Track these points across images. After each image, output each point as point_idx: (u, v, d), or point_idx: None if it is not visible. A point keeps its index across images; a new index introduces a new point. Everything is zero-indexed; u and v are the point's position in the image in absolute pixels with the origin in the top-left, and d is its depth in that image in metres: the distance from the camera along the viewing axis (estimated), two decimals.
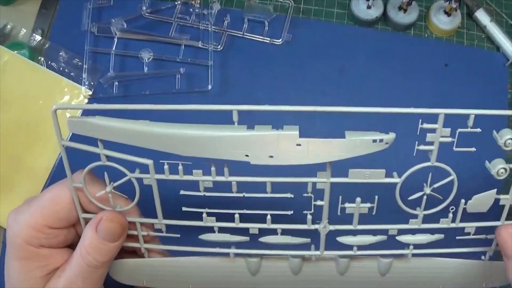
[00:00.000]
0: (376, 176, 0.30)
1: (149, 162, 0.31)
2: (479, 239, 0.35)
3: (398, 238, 0.34)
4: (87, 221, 0.33)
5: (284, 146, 0.29)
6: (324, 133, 0.49)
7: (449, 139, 0.29)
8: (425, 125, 0.28)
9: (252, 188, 0.32)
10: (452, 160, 0.30)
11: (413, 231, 0.34)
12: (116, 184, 0.32)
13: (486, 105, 0.51)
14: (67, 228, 0.33)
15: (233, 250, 0.34)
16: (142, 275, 0.36)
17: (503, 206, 0.33)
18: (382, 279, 0.36)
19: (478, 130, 0.28)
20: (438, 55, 0.53)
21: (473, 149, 0.29)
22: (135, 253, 0.36)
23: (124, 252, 0.35)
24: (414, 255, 0.35)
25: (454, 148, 0.29)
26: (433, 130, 0.29)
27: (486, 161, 0.31)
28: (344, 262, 0.35)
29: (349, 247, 0.34)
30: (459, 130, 0.29)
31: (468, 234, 0.34)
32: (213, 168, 0.31)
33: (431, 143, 0.29)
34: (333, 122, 0.50)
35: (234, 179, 0.31)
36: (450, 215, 0.33)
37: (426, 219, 0.33)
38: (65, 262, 0.33)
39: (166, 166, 0.31)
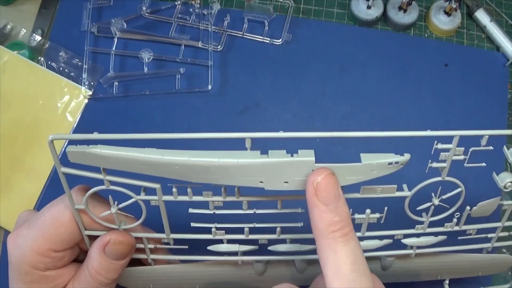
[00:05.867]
0: (387, 191, 0.30)
1: (157, 186, 0.30)
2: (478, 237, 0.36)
3: (404, 241, 0.35)
4: (91, 237, 0.32)
5: (299, 172, 0.28)
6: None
7: (462, 157, 0.29)
8: (440, 146, 0.28)
9: (262, 204, 0.31)
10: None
11: (418, 234, 0.35)
12: (121, 206, 0.31)
13: (486, 105, 0.51)
14: (71, 248, 0.32)
15: (241, 258, 0.34)
16: (148, 280, 0.36)
17: (505, 209, 0.34)
18: (384, 273, 0.37)
19: (491, 148, 0.29)
20: (438, 55, 0.53)
21: (483, 164, 0.29)
22: (140, 261, 0.36)
23: (130, 261, 0.35)
24: (417, 254, 0.36)
25: (465, 164, 0.29)
26: (446, 150, 0.29)
27: (494, 174, 0.32)
28: None
29: None
30: (472, 148, 0.29)
31: (469, 234, 0.35)
32: (223, 189, 0.30)
33: (444, 161, 0.29)
34: (332, 123, 0.51)
35: (245, 199, 0.31)
36: (455, 220, 0.34)
37: (431, 223, 0.34)
38: (72, 278, 0.32)
39: (174, 189, 0.30)
